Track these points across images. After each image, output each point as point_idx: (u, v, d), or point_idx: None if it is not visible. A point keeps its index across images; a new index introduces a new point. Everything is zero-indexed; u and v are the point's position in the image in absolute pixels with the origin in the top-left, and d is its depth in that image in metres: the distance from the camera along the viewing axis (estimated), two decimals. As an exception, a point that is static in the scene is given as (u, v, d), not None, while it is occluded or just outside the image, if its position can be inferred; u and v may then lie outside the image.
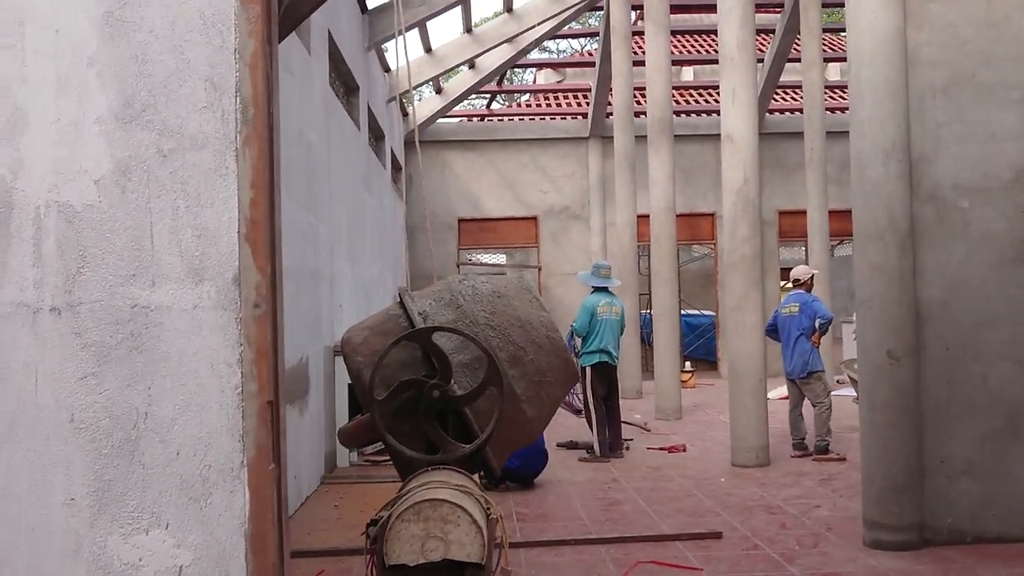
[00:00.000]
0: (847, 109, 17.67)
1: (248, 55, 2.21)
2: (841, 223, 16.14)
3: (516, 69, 31.71)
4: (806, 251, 16.11)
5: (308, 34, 8.09)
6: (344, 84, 10.96)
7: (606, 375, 8.93)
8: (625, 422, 10.79)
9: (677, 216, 16.49)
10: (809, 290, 9.17)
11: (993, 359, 5.68)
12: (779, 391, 11.90)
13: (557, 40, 33.83)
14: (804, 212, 15.38)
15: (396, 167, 16.74)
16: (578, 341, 8.98)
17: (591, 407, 8.87)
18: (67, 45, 2.25)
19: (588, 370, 8.82)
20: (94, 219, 2.25)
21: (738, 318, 8.41)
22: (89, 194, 2.24)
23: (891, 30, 5.63)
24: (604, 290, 9.06)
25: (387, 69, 14.67)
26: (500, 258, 32.75)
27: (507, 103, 27.94)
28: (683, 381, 15.63)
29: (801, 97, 16.45)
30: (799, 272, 9.27)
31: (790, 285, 9.36)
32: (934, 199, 5.68)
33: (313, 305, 7.90)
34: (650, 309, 14.61)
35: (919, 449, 5.58)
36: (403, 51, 12.03)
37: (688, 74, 24.13)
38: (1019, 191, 5.71)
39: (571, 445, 9.63)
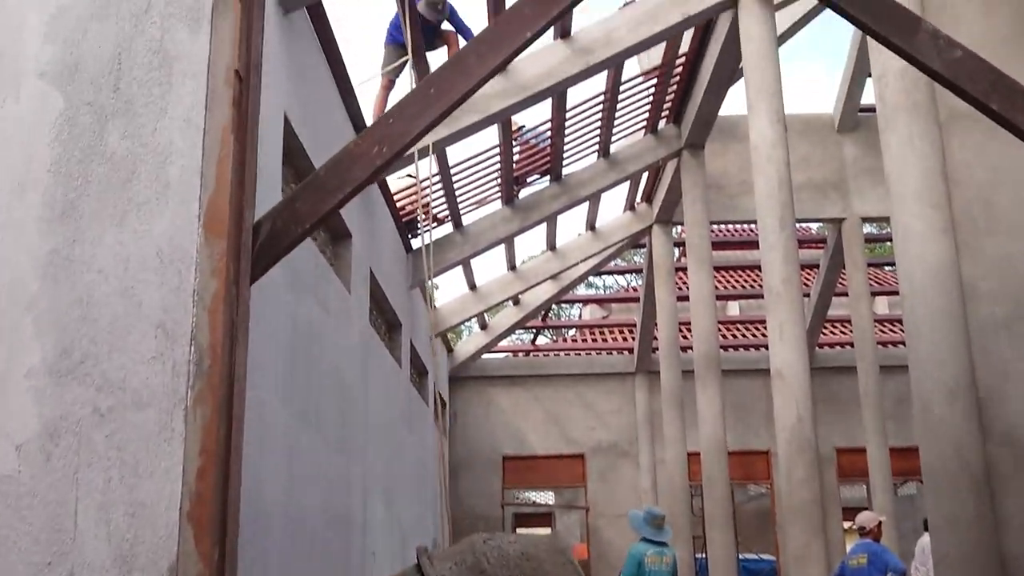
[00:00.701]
0: (899, 343, 17.16)
1: (208, 298, 1.97)
2: (903, 461, 15.33)
3: (563, 304, 32.12)
4: (868, 492, 15.25)
5: (348, 273, 8.10)
6: (386, 321, 10.94)
7: (657, 633, 8.14)
8: None
9: (729, 454, 15.85)
10: (877, 538, 8.46)
11: (1097, 625, 4.98)
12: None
13: (603, 276, 34.45)
14: (863, 449, 14.67)
15: (440, 403, 16.51)
16: None
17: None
18: (3, 287, 2.02)
19: (637, 627, 8.06)
20: (10, 492, 1.91)
21: (801, 570, 7.70)
22: (8, 462, 1.93)
23: (943, 263, 5.37)
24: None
25: (432, 306, 14.76)
26: (548, 496, 31.81)
27: (554, 338, 28.03)
28: (745, 635, 14.43)
29: (851, 331, 16.14)
30: (865, 519, 8.60)
31: (856, 528, 8.67)
32: (1010, 442, 5.18)
33: (342, 554, 7.40)
34: (705, 553, 13.72)
35: None
36: (434, 284, 12.04)
37: (734, 308, 24.11)
38: (1103, 433, 5.21)
39: None
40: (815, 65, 55.43)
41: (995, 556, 4.94)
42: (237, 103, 2.21)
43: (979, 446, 5.09)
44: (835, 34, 50.83)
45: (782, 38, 12.33)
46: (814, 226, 22.80)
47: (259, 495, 4.95)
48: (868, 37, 4.93)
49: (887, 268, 21.64)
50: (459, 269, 13.93)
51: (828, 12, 4.83)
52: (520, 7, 2.65)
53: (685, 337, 15.88)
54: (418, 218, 11.34)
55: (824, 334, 19.17)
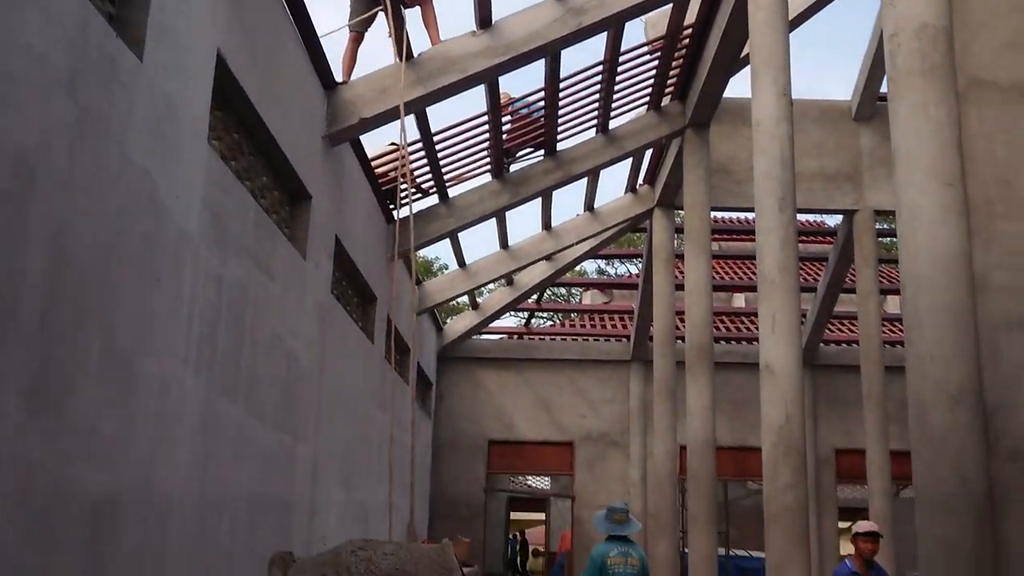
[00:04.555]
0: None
1: None
2: (905, 466, 14.60)
3: (571, 289, 31.38)
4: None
5: (305, 239, 7.44)
6: (359, 294, 10.29)
7: (622, 642, 7.50)
8: None
9: (725, 449, 15.20)
10: (873, 553, 7.51)
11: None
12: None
13: (612, 262, 33.73)
14: (863, 452, 13.99)
15: (426, 382, 15.91)
16: None
17: None
18: None
19: (599, 636, 7.44)
20: None
21: (781, 581, 7.05)
22: None
23: (953, 250, 4.69)
24: (621, 536, 7.79)
25: (418, 282, 14.12)
26: (544, 483, 31.27)
27: (551, 322, 27.40)
28: (727, 640, 13.83)
29: (858, 329, 15.44)
30: (878, 527, 7.53)
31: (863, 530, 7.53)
32: (1018, 457, 4.52)
33: (279, 540, 6.77)
34: (683, 550, 13.12)
35: None
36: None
37: (740, 301, 23.40)
38: None
39: None
40: (833, 61, 54.24)
41: (993, 589, 4.28)
42: None
43: (982, 462, 4.42)
44: (856, 26, 49.39)
45: (795, 22, 11.60)
46: (832, 222, 22.05)
47: (152, 473, 4.34)
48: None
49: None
50: (446, 243, 13.27)
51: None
52: None
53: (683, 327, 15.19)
54: (399, 186, 10.68)
55: (830, 331, 18.48)
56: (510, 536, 30.93)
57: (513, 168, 11.85)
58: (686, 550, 14.42)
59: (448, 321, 17.55)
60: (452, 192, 11.68)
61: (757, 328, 18.65)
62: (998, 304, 4.68)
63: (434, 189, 11.39)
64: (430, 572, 2.67)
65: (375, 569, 2.64)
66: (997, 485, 4.42)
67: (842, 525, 16.77)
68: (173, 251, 4.50)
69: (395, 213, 11.19)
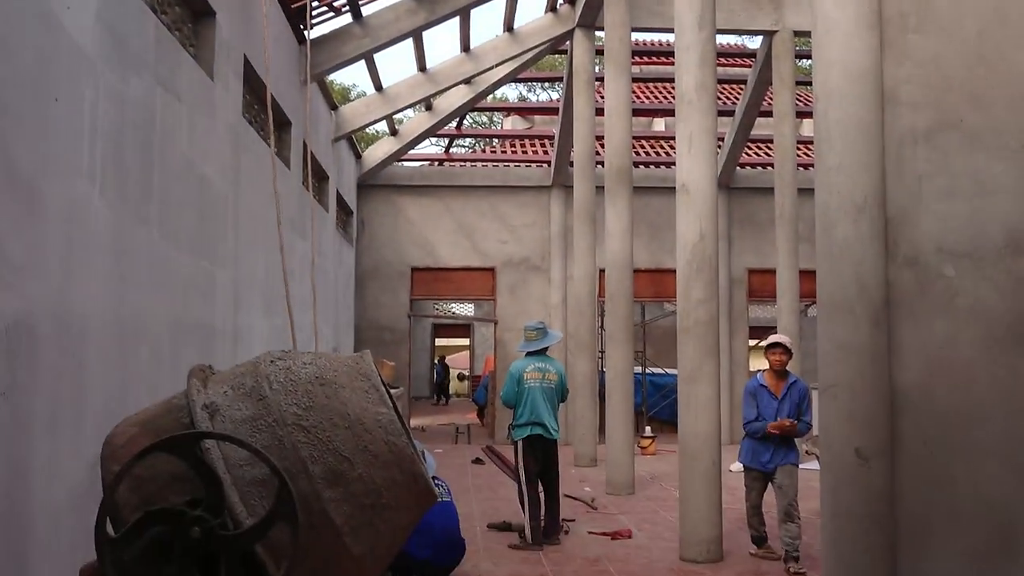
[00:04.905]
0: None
1: None
2: (812, 284, 15.22)
3: (494, 113, 30.90)
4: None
5: (211, 58, 7.15)
6: (272, 118, 9.98)
7: (541, 450, 7.87)
8: (569, 496, 9.77)
9: (643, 272, 15.60)
10: (781, 364, 7.74)
11: (982, 458, 4.68)
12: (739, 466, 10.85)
13: (533, 88, 33.26)
14: (774, 271, 14.51)
15: (347, 211, 15.78)
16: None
17: (522, 487, 7.81)
18: None
19: (519, 444, 7.79)
20: None
21: (690, 391, 7.41)
22: None
23: (865, 64, 4.74)
24: (541, 352, 8.04)
25: (334, 107, 13.76)
26: (468, 309, 31.86)
27: (471, 148, 27.20)
28: (643, 448, 14.62)
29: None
30: (787, 340, 7.72)
31: (769, 342, 7.71)
32: (914, 265, 4.72)
33: (202, 362, 6.83)
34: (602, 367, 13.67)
35: (893, 569, 4.57)
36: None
37: (660, 125, 23.46)
38: (1014, 257, 4.76)
39: (504, 527, 8.55)
40: None
41: (884, 386, 4.58)
42: None
43: (881, 269, 4.64)
44: None
45: None
46: (753, 46, 21.94)
47: (66, 297, 4.29)
48: None
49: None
50: (362, 66, 12.86)
51: None
52: None
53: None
54: (309, 4, 10.23)
55: (747, 154, 18.74)
56: (435, 361, 31.77)
57: (429, -15, 11.41)
58: (604, 369, 15.04)
59: (367, 150, 17.23)
60: (366, 11, 11.23)
61: (676, 152, 18.83)
62: (904, 117, 4.76)
63: (346, 7, 10.94)
64: (349, 379, 2.73)
65: (294, 377, 2.68)
66: (893, 290, 4.65)
67: (752, 343, 17.57)
68: (69, 68, 4.28)
69: (306, 33, 10.80)
